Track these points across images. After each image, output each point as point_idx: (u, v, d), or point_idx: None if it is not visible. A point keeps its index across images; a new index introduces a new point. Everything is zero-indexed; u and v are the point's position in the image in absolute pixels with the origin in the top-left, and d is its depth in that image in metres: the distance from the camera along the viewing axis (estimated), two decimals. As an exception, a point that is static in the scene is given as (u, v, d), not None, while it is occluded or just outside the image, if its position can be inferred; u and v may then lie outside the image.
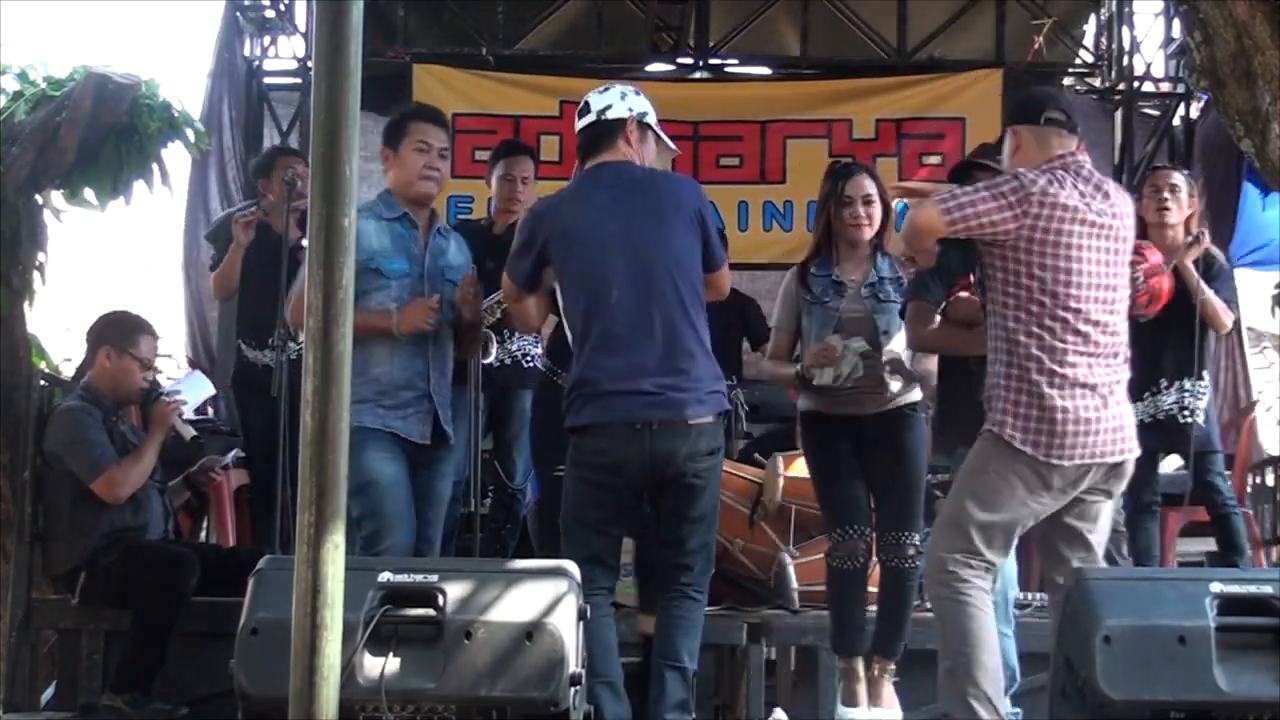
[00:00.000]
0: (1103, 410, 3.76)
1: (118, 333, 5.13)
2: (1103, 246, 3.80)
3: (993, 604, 4.09)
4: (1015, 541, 3.89)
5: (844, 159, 5.39)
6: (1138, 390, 5.54)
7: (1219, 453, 5.86)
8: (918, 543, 4.57)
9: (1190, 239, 5.48)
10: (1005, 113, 8.80)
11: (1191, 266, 5.46)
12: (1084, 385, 3.75)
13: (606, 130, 4.17)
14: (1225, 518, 5.73)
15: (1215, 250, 5.73)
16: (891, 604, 4.61)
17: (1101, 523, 3.88)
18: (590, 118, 4.18)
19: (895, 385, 4.56)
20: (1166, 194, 5.56)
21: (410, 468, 4.41)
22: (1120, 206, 3.88)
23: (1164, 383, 5.53)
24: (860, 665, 4.62)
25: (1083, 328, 3.76)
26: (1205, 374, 5.63)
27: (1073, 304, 3.75)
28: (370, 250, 4.34)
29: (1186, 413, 5.55)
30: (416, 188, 4.51)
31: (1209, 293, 5.44)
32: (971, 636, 3.73)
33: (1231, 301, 5.60)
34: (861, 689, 4.62)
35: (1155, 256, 5.19)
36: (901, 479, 4.61)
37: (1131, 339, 5.49)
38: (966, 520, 3.80)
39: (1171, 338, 5.42)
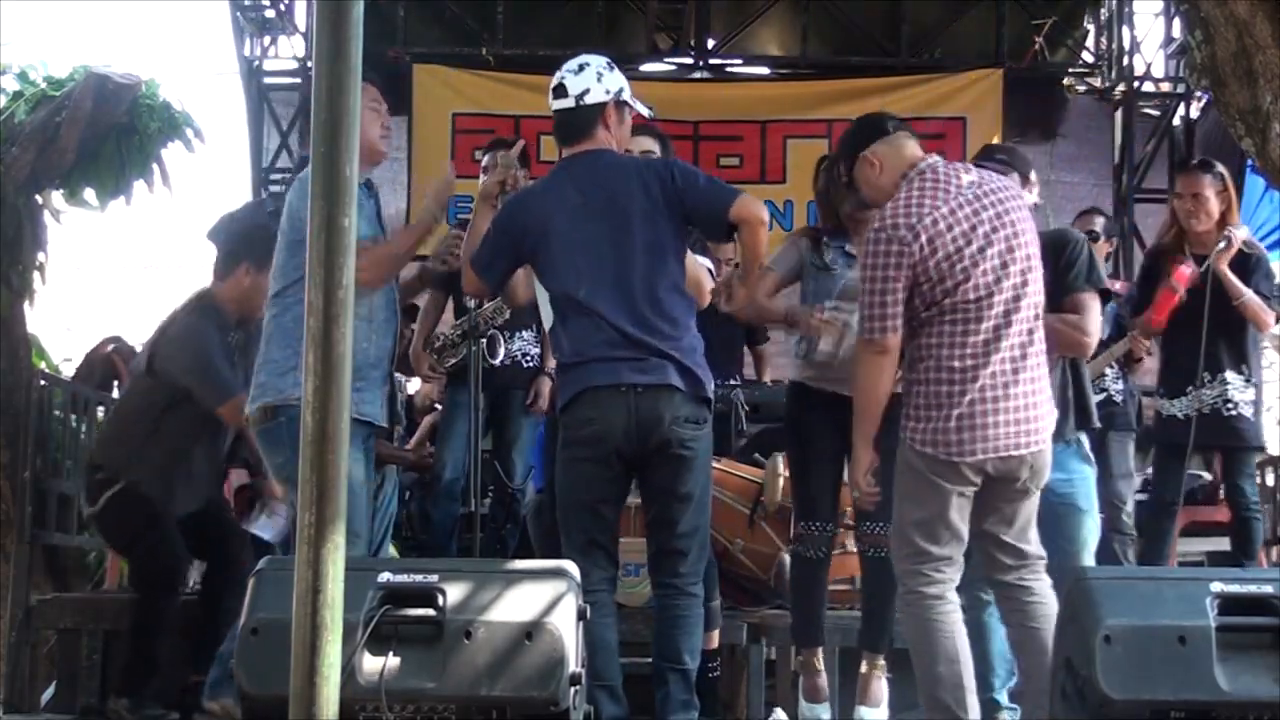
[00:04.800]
0: (1009, 401, 3.74)
1: (263, 250, 4.66)
2: (987, 229, 3.76)
3: (983, 599, 4.14)
4: (965, 532, 3.86)
5: None
6: (1181, 385, 5.58)
7: (1254, 451, 5.83)
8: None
9: (1222, 243, 5.48)
10: (1006, 113, 8.85)
11: (1227, 269, 5.47)
12: (985, 375, 3.73)
13: (585, 117, 4.10)
14: (1246, 521, 5.73)
15: (1251, 243, 5.71)
16: (872, 595, 4.59)
17: (1019, 521, 3.86)
18: (568, 102, 4.11)
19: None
20: (1190, 205, 5.63)
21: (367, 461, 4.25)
22: (986, 186, 3.82)
23: (1206, 376, 5.54)
24: (819, 659, 4.61)
25: (966, 320, 3.74)
26: (1246, 367, 5.61)
27: (952, 298, 3.74)
28: None
29: (1230, 406, 5.56)
30: (379, 148, 4.36)
31: (1249, 294, 5.47)
32: (927, 651, 3.78)
33: (1271, 297, 5.59)
34: (823, 683, 4.61)
35: (1177, 277, 5.38)
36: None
37: (1174, 335, 5.58)
38: (903, 523, 3.86)
39: (1213, 332, 5.43)
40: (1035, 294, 3.84)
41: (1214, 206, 5.58)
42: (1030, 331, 3.81)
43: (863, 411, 3.88)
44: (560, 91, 4.14)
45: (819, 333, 4.44)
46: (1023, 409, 3.76)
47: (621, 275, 3.97)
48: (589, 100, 4.09)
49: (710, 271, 4.44)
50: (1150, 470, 6.45)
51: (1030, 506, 3.89)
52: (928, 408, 3.78)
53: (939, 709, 3.74)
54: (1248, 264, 5.58)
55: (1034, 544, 3.90)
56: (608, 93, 4.10)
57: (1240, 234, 5.59)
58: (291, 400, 4.04)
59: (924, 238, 3.73)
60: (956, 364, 3.75)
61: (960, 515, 3.81)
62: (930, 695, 3.78)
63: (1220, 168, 5.69)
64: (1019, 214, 3.85)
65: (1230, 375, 5.57)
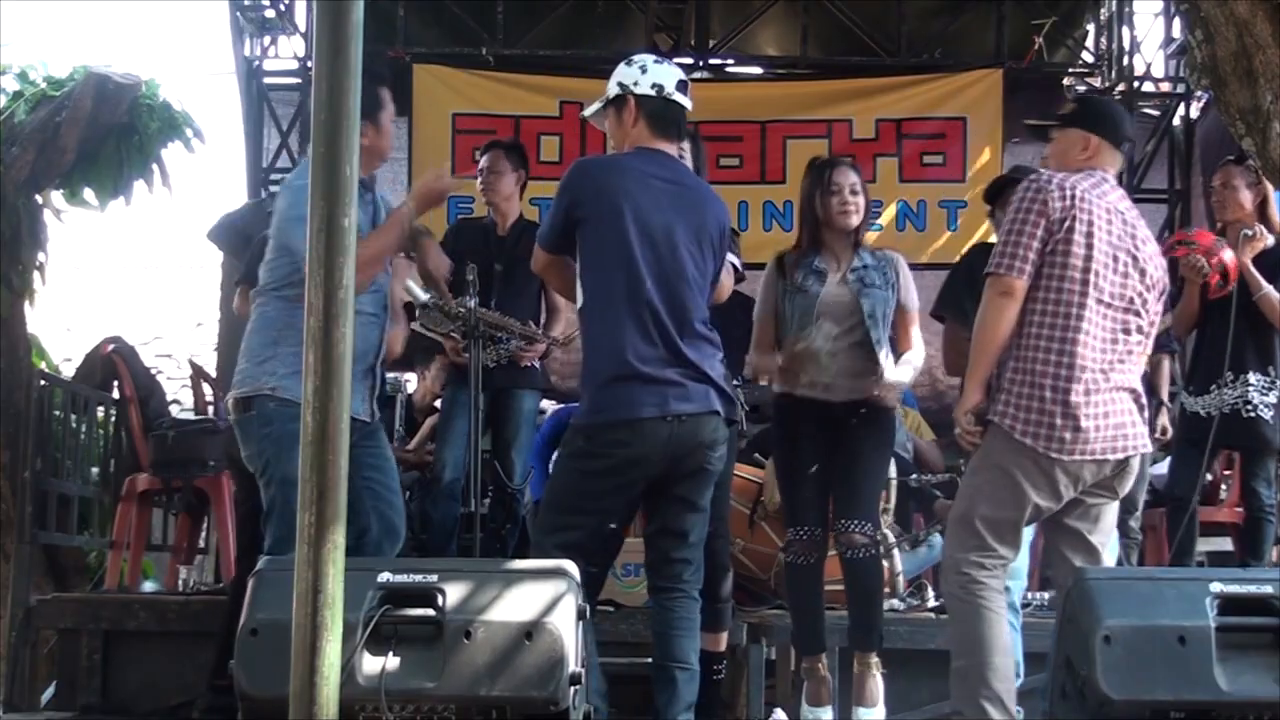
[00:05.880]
0: (1106, 405, 3.76)
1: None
2: (1123, 243, 3.81)
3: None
4: (1027, 535, 3.89)
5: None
6: (1203, 384, 5.58)
7: (1271, 454, 5.75)
8: (869, 531, 4.54)
9: (1248, 235, 5.49)
10: (1006, 113, 8.84)
11: (1249, 262, 5.47)
12: (1088, 377, 3.75)
13: (683, 119, 4.14)
14: (1256, 522, 5.72)
15: None
16: (854, 595, 4.58)
17: (1104, 524, 3.87)
18: (687, 101, 4.12)
19: (889, 370, 4.56)
20: (1219, 195, 5.71)
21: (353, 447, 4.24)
22: (1145, 228, 3.92)
23: (1229, 376, 5.52)
24: (823, 665, 4.61)
25: (1094, 318, 3.77)
26: (1273, 369, 5.59)
27: (1081, 286, 3.77)
28: None
29: (1250, 407, 5.55)
30: (388, 154, 4.54)
31: (1267, 289, 5.46)
32: (984, 640, 3.75)
33: None
34: (827, 688, 4.61)
35: (1206, 238, 5.39)
36: (856, 470, 4.58)
37: (1203, 331, 5.58)
38: (975, 516, 3.83)
39: (1241, 331, 5.42)
40: (1152, 313, 3.88)
41: (1244, 197, 5.58)
42: (1136, 348, 3.84)
43: (978, 349, 3.86)
44: (686, 89, 4.14)
45: (793, 368, 4.57)
46: (1120, 413, 3.78)
47: (684, 284, 3.96)
48: (689, 107, 4.15)
49: (735, 266, 4.44)
50: (1150, 468, 6.46)
51: (1113, 512, 3.89)
52: (1030, 397, 3.77)
53: (993, 699, 3.70)
54: None
55: (1108, 554, 3.89)
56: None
57: (1268, 237, 5.58)
58: (264, 390, 4.14)
59: (1066, 203, 3.77)
60: (1065, 359, 3.76)
61: (1030, 526, 3.87)
62: (985, 683, 3.72)
63: (1254, 162, 5.69)
64: (1151, 246, 3.91)
65: (1254, 376, 5.54)
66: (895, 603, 5.43)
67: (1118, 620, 3.35)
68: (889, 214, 8.71)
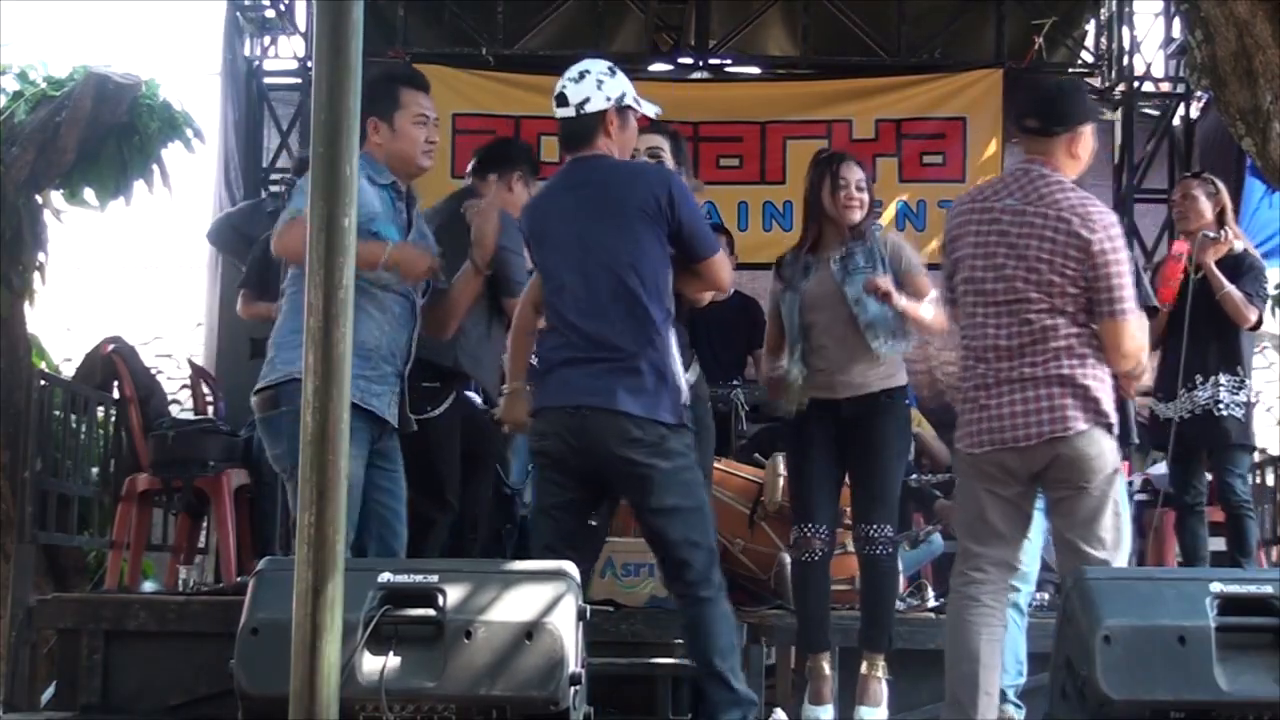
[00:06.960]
0: (1012, 394, 3.82)
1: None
2: (1005, 239, 3.86)
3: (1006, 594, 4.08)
4: (1008, 532, 3.91)
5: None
6: (1174, 387, 5.64)
7: (1244, 450, 5.89)
8: (889, 533, 4.57)
9: (1210, 238, 5.57)
10: (1006, 112, 8.84)
11: (1211, 264, 5.55)
12: (983, 370, 3.88)
13: (587, 125, 4.08)
14: (1238, 518, 5.78)
15: (1247, 247, 5.84)
16: (868, 595, 4.62)
17: (1076, 518, 3.84)
18: (569, 111, 4.10)
19: (881, 343, 4.56)
20: (1180, 206, 5.85)
21: (369, 459, 4.14)
22: (1042, 205, 3.86)
23: (1199, 378, 5.61)
24: (825, 663, 4.62)
25: (983, 316, 3.89)
26: (1240, 369, 5.71)
27: (971, 297, 3.93)
28: (369, 211, 4.00)
29: (1221, 407, 5.62)
30: (420, 163, 4.25)
31: (1229, 288, 5.57)
32: (951, 644, 3.91)
33: (1256, 297, 5.68)
34: (828, 688, 4.61)
35: (1176, 248, 5.58)
36: (872, 470, 4.61)
37: (1168, 336, 5.65)
38: (957, 524, 4.09)
39: (1206, 335, 5.50)
40: (1057, 297, 3.82)
41: (1204, 206, 5.71)
42: (1051, 335, 3.83)
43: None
44: (561, 100, 4.13)
45: (771, 398, 4.75)
46: (1030, 400, 3.82)
47: (595, 280, 3.96)
48: (589, 109, 4.08)
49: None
50: (1150, 469, 6.51)
51: (1086, 504, 3.85)
52: (962, 402, 3.97)
53: (954, 705, 3.85)
54: (1241, 264, 5.66)
55: (1096, 547, 3.84)
56: (608, 100, 4.08)
57: (1235, 241, 5.69)
58: (295, 375, 3.89)
59: (949, 223, 4.05)
60: (970, 358, 3.93)
61: (1000, 515, 3.90)
62: (950, 689, 3.89)
63: (1212, 177, 5.90)
64: (1061, 235, 3.83)
65: (1223, 378, 5.66)
66: (895, 603, 5.43)
67: (1118, 620, 3.34)
68: (889, 214, 8.70)
